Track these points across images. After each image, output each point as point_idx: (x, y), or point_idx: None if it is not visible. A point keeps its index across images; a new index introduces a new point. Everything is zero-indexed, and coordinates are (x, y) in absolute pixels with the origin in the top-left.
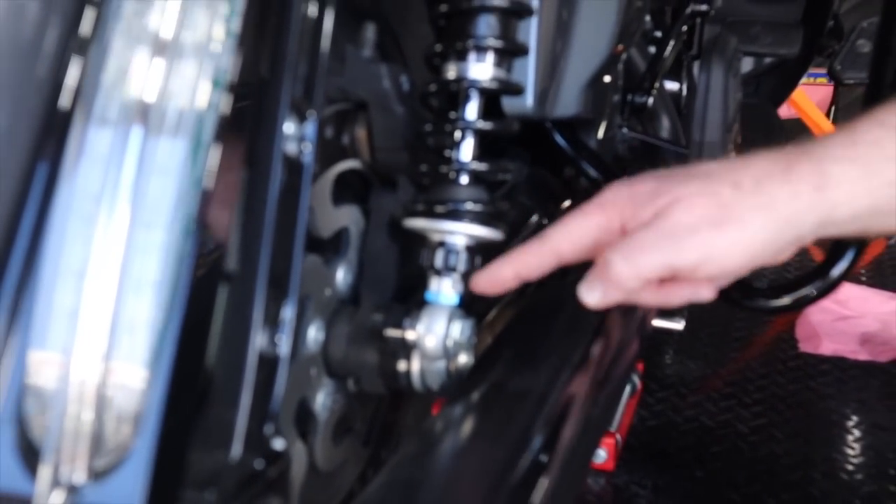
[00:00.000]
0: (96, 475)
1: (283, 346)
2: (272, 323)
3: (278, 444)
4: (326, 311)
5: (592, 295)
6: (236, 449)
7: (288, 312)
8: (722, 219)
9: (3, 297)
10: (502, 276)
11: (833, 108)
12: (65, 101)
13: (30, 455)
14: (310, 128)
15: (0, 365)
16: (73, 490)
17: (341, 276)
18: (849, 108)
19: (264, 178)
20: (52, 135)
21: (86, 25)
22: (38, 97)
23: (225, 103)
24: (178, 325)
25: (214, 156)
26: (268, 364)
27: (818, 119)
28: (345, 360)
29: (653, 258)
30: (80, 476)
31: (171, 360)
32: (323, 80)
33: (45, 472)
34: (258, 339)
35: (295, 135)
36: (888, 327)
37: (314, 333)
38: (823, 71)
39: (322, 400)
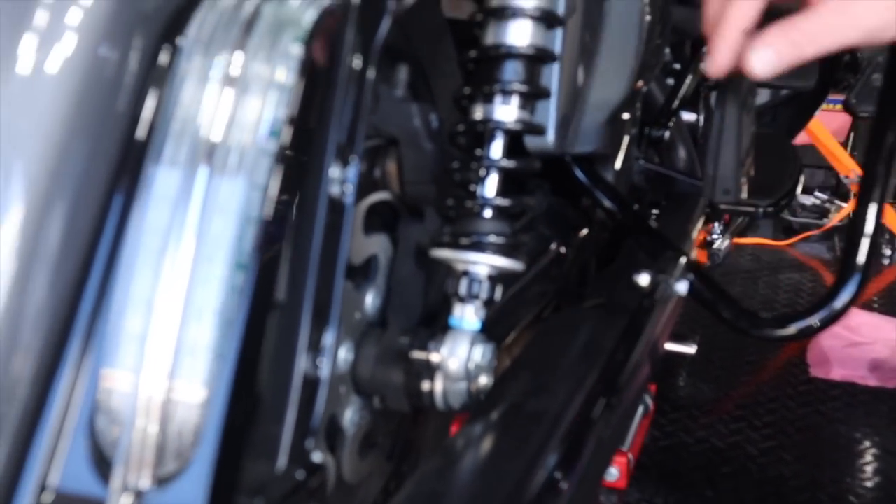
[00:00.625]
0: (160, 481)
1: (325, 368)
2: (314, 348)
3: (317, 457)
4: (356, 333)
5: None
6: (282, 461)
7: (329, 338)
8: None
9: (79, 321)
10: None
11: (852, 136)
12: (140, 136)
13: (100, 462)
14: (351, 171)
15: (75, 382)
16: (140, 494)
17: (370, 300)
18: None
19: (310, 217)
20: (126, 171)
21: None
22: (115, 134)
23: (279, 149)
24: (236, 348)
25: (269, 196)
26: (310, 385)
27: (833, 147)
28: (372, 379)
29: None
30: (146, 482)
31: (229, 380)
32: (364, 127)
33: (116, 477)
34: (302, 362)
35: (338, 178)
36: None
37: (344, 354)
38: (842, 97)
39: (350, 416)
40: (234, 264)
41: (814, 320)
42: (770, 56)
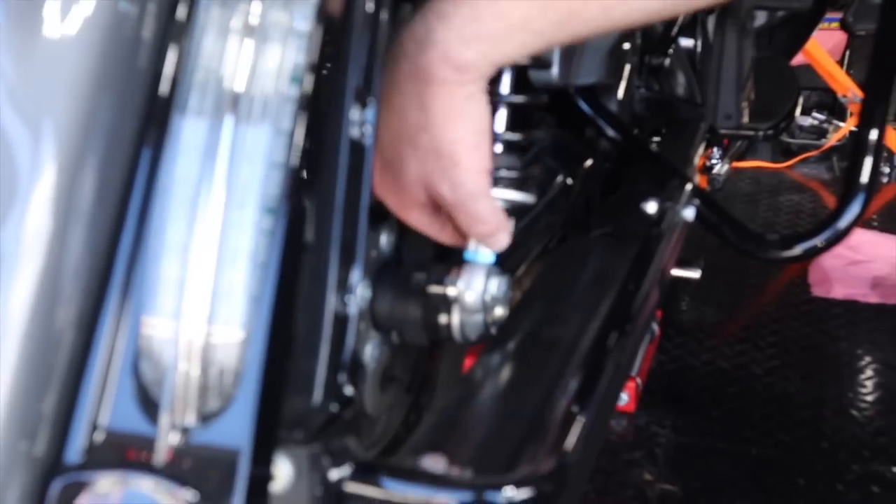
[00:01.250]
0: (205, 418)
1: (353, 305)
2: (343, 286)
3: (349, 390)
4: (372, 271)
5: None
6: (317, 395)
7: (356, 276)
8: None
9: (117, 269)
10: None
11: (847, 54)
12: (163, 92)
13: (147, 402)
14: (370, 113)
15: (118, 328)
16: (186, 431)
17: (385, 239)
18: (864, 52)
19: (333, 159)
20: (153, 124)
21: (179, 21)
22: (139, 88)
23: (300, 95)
24: (271, 289)
25: (293, 141)
26: (340, 322)
27: (830, 67)
28: (390, 314)
29: None
30: (191, 419)
31: (267, 320)
32: (380, 69)
33: (163, 416)
34: (332, 301)
35: (358, 120)
36: None
37: (362, 291)
38: (838, 16)
39: (370, 351)
40: (263, 209)
41: (818, 240)
42: None
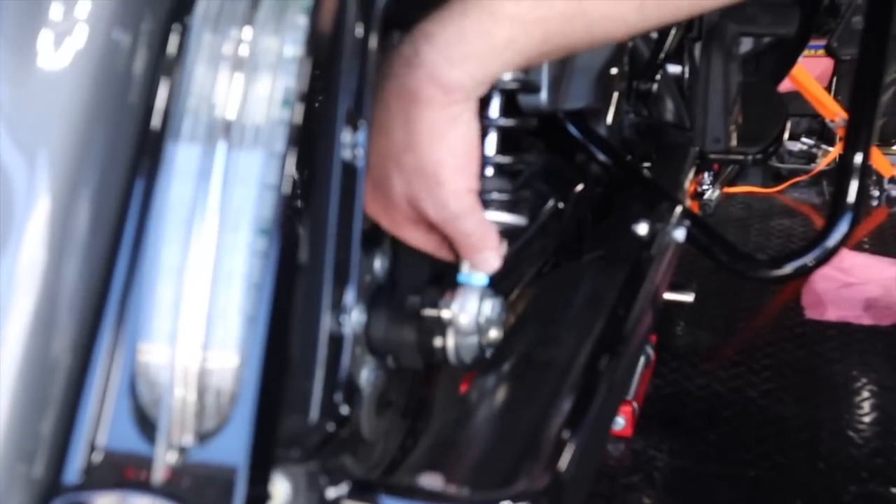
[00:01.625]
0: (202, 437)
1: (347, 325)
2: (337, 306)
3: (345, 409)
4: (367, 296)
5: None
6: (314, 414)
7: (349, 297)
8: None
9: (112, 293)
10: None
11: (835, 81)
12: (156, 122)
13: (144, 423)
14: (361, 135)
15: (114, 351)
16: (183, 450)
17: (378, 264)
18: (851, 78)
19: (326, 181)
20: (146, 153)
21: (171, 50)
22: (133, 117)
23: (292, 118)
24: (266, 311)
25: (286, 164)
26: (335, 341)
27: (817, 92)
28: (385, 338)
29: None
30: (188, 439)
31: (262, 341)
32: (370, 93)
33: (161, 436)
34: (327, 321)
35: (349, 143)
36: (891, 292)
37: (357, 316)
38: (823, 43)
39: (366, 375)
40: (257, 231)
41: (808, 259)
42: None
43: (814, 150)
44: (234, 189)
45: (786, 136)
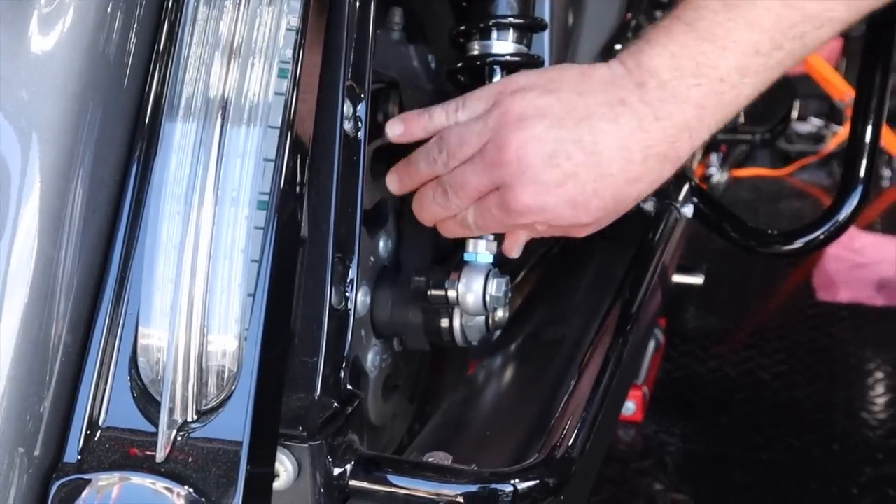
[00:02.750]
0: (203, 413)
1: (351, 300)
2: (340, 281)
3: (350, 385)
4: (371, 277)
5: None
6: (318, 390)
7: (352, 271)
8: None
9: (111, 269)
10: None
11: (844, 62)
12: (152, 98)
13: (145, 399)
14: (362, 108)
15: (112, 327)
16: (184, 427)
17: (382, 244)
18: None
19: (327, 153)
20: (142, 130)
21: (166, 25)
22: (127, 98)
23: (289, 90)
24: (266, 285)
25: (285, 137)
26: (339, 317)
27: (826, 71)
28: (391, 320)
29: None
30: (189, 415)
31: (263, 315)
32: (370, 64)
33: (163, 413)
34: (331, 295)
35: (350, 114)
36: None
37: (361, 298)
38: None
39: (372, 359)
40: (256, 205)
41: (819, 233)
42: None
43: (823, 131)
44: (232, 163)
45: (794, 115)
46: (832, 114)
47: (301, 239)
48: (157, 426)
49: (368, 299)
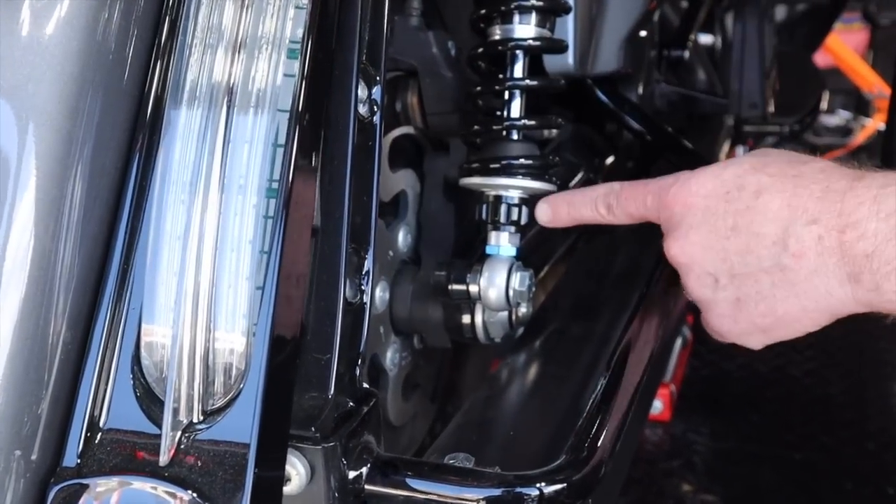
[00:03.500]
0: (209, 414)
1: (367, 293)
2: (355, 273)
3: (366, 384)
4: (390, 272)
5: None
6: (332, 389)
7: (369, 263)
8: None
9: (112, 265)
10: (559, 212)
11: (871, 55)
12: (155, 84)
13: (147, 400)
14: (377, 91)
15: (114, 322)
16: (189, 428)
17: (401, 237)
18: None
19: (342, 139)
20: (145, 117)
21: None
22: (129, 84)
23: (301, 72)
24: (276, 278)
25: (295, 121)
26: (354, 311)
27: (854, 63)
28: (410, 317)
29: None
30: (195, 416)
31: (271, 310)
32: (386, 46)
33: (167, 414)
34: (346, 288)
35: (365, 98)
36: None
37: (380, 293)
38: (856, 16)
39: (391, 356)
40: (265, 193)
41: None
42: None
43: (851, 123)
44: (239, 150)
45: (823, 105)
46: (860, 106)
47: (313, 229)
48: (161, 428)
49: (387, 295)
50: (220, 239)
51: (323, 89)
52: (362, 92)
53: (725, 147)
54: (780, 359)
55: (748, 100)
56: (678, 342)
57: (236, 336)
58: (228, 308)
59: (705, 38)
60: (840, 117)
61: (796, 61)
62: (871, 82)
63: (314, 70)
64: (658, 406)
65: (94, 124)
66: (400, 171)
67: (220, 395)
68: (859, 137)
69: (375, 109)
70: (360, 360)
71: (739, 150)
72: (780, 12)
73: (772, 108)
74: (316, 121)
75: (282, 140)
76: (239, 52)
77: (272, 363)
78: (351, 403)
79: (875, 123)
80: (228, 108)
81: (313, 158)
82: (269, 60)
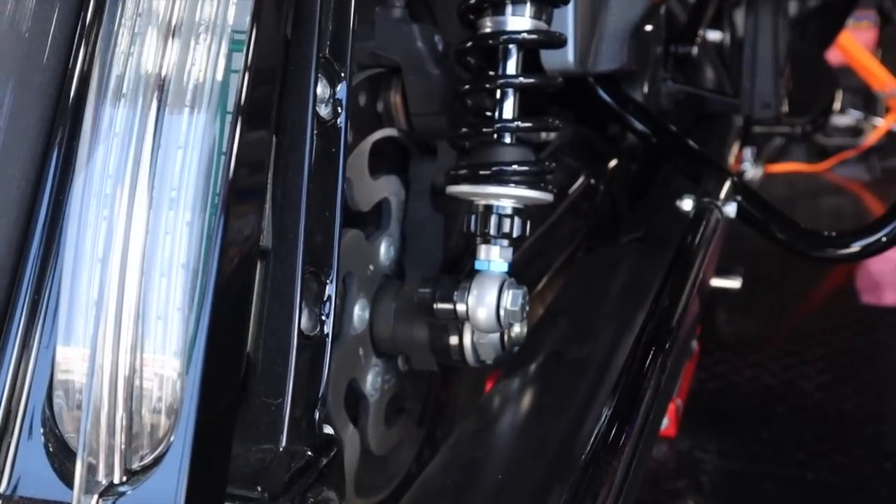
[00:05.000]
0: (133, 474)
1: (329, 325)
2: (315, 301)
3: (329, 430)
4: (371, 288)
5: None
6: (284, 438)
7: (331, 288)
8: None
9: (22, 290)
10: None
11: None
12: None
13: (62, 456)
14: (342, 89)
15: (21, 364)
16: (109, 490)
17: (384, 250)
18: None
19: (297, 145)
20: (64, 117)
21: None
22: (46, 82)
23: (247, 67)
24: (211, 308)
25: (239, 124)
26: (314, 346)
27: (867, 61)
28: (393, 338)
29: None
30: (116, 476)
31: (205, 347)
32: (353, 36)
33: (79, 473)
34: (302, 320)
35: (327, 97)
36: None
37: (359, 312)
38: (865, 13)
39: (371, 381)
40: (201, 207)
41: (881, 235)
42: None
43: (862, 123)
44: (171, 156)
45: (837, 105)
46: (871, 106)
47: (263, 251)
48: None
49: (367, 314)
50: (147, 262)
51: (273, 87)
52: (323, 90)
53: (735, 149)
54: (791, 371)
55: (761, 99)
56: None
57: (166, 378)
58: (157, 344)
59: (714, 35)
60: (850, 117)
61: (808, 59)
62: (884, 81)
63: (262, 64)
64: (663, 421)
65: (2, 122)
66: (382, 178)
67: (147, 449)
68: (871, 138)
69: (339, 111)
70: (319, 403)
71: (747, 151)
72: (792, 7)
73: (785, 108)
74: (264, 123)
75: (223, 146)
76: (172, 39)
77: (205, 412)
78: (309, 453)
79: (887, 123)
80: (159, 105)
81: (262, 168)
82: (209, 51)
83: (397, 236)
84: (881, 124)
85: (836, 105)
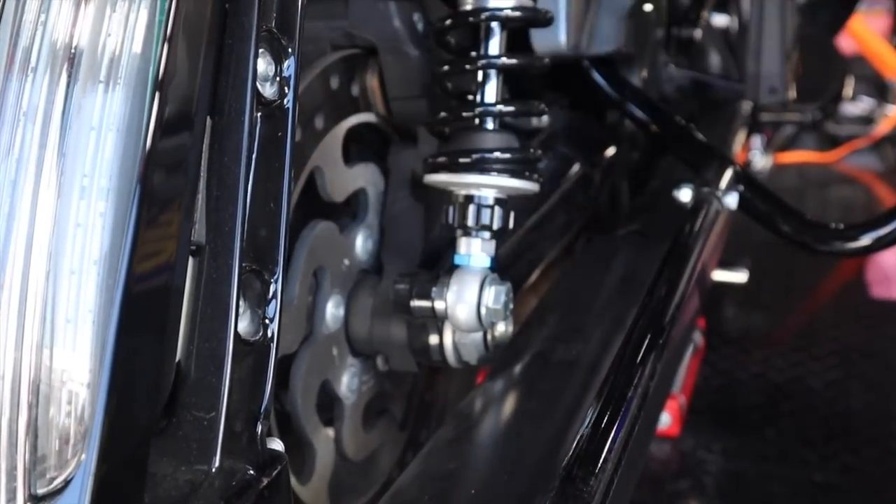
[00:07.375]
0: (39, 500)
1: (274, 328)
2: (257, 302)
3: (273, 444)
4: (346, 284)
5: None
6: (218, 457)
7: (276, 287)
8: None
9: None
10: None
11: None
12: None
13: None
14: (290, 65)
15: None
16: None
17: (360, 243)
18: None
19: (235, 127)
20: None
21: None
22: None
23: (172, 38)
24: (121, 310)
25: (157, 102)
26: (256, 352)
27: (879, 48)
28: (370, 337)
29: None
30: (16, 500)
31: (113, 354)
32: (303, 8)
33: None
34: (240, 323)
35: (271, 74)
36: None
37: (332, 309)
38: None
39: (347, 382)
40: (119, 197)
41: (891, 229)
42: None
43: (874, 112)
44: (83, 138)
45: (847, 92)
46: (883, 94)
47: (194, 246)
48: None
49: (342, 311)
50: (54, 258)
51: (203, 61)
52: (266, 67)
53: (741, 137)
54: (798, 368)
55: (767, 84)
56: (688, 347)
57: (75, 391)
58: (66, 350)
59: (719, 19)
60: (862, 105)
61: (817, 44)
62: None
63: (189, 34)
64: (666, 420)
65: None
66: (358, 166)
67: (55, 470)
68: (882, 127)
69: (287, 91)
70: (262, 416)
71: (756, 139)
72: None
73: (793, 94)
74: (195, 102)
75: (144, 126)
76: (86, 5)
77: (116, 428)
78: (250, 472)
79: None
80: (69, 81)
81: (193, 153)
82: (126, 17)
83: (375, 229)
84: (894, 113)
85: (847, 92)
